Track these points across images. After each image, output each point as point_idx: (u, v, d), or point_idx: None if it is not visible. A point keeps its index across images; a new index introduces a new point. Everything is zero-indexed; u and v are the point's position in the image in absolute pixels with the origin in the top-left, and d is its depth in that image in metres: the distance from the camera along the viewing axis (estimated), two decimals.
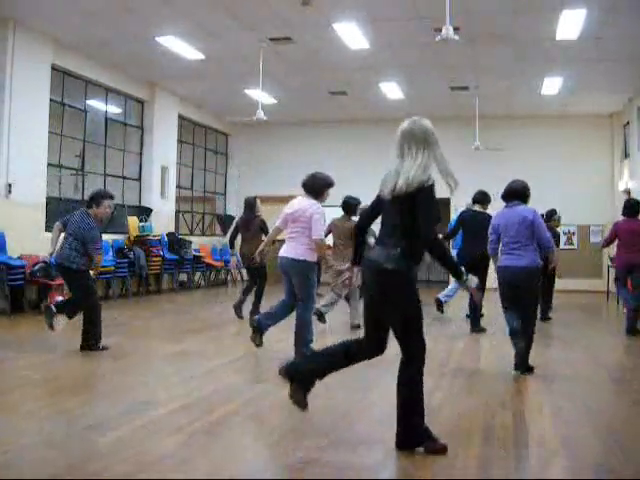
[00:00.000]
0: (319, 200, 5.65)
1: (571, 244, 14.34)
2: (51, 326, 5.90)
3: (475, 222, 7.42)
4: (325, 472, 3.05)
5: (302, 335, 5.60)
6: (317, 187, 5.66)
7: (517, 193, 5.33)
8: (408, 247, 3.23)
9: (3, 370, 5.25)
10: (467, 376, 5.05)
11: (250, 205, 8.48)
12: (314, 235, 5.47)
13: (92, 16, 8.68)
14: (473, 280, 3.37)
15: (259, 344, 5.87)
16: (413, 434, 3.23)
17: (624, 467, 3.17)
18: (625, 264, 7.44)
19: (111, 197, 6.25)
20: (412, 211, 3.20)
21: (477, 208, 7.72)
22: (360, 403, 4.31)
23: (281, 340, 6.18)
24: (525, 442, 3.49)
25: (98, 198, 6.10)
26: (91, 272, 6.20)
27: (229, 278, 15.06)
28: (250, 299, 8.18)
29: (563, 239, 14.35)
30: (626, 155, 13.45)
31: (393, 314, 3.27)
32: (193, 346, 6.61)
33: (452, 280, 9.23)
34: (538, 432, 3.67)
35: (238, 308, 8.34)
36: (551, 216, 9.21)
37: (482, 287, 6.92)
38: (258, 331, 5.85)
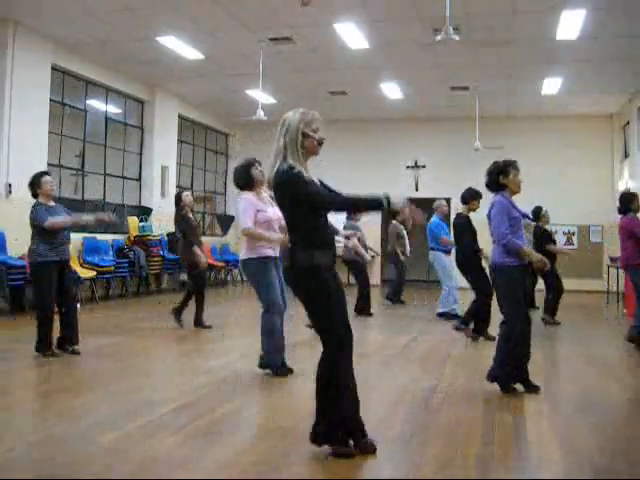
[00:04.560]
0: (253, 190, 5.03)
1: (571, 244, 14.34)
2: None
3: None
4: (325, 471, 3.05)
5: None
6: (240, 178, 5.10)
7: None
8: (300, 239, 3.13)
9: (4, 370, 5.26)
10: (467, 376, 5.05)
11: (176, 200, 7.81)
12: (240, 227, 5.00)
13: (92, 16, 8.69)
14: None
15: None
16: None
17: (623, 467, 3.17)
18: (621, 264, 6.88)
19: (46, 173, 6.01)
20: (286, 203, 3.14)
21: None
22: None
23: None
24: (524, 442, 3.50)
25: (35, 181, 5.82)
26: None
27: (229, 278, 15.06)
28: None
29: (562, 239, 14.38)
30: (626, 155, 13.45)
31: (306, 307, 3.19)
32: (193, 346, 6.62)
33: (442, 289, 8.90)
34: (537, 432, 3.67)
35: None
36: (537, 213, 8.95)
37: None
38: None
